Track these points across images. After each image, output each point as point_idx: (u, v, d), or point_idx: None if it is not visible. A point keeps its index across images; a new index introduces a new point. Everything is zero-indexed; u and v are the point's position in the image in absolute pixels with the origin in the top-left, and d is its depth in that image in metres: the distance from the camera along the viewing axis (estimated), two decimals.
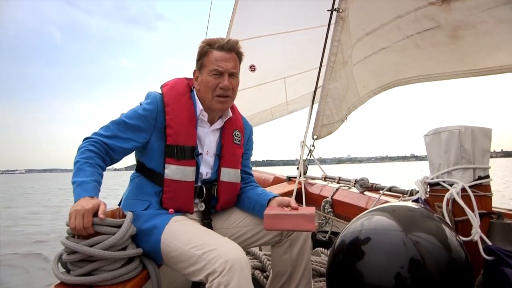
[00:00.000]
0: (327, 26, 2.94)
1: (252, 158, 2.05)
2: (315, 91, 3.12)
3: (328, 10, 2.88)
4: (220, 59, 1.65)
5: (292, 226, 1.56)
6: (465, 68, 2.94)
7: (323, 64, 3.03)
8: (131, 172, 1.84)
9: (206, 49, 1.68)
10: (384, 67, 3.35)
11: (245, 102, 4.34)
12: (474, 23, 2.63)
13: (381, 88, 3.56)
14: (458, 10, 2.62)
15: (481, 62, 2.82)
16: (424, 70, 3.20)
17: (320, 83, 3.03)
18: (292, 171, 3.55)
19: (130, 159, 1.79)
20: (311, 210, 1.58)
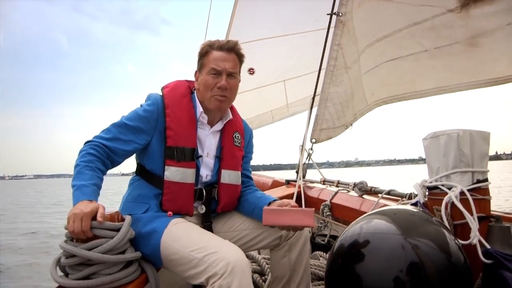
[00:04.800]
0: (326, 30, 2.94)
1: (260, 162, 2.05)
2: (314, 95, 3.11)
3: (327, 14, 2.88)
4: (218, 58, 1.67)
5: (291, 221, 1.55)
6: (483, 77, 2.84)
7: (322, 67, 3.02)
8: None
9: (206, 49, 1.70)
10: (395, 75, 3.24)
11: (244, 105, 4.34)
12: (492, 30, 2.59)
13: (393, 98, 3.40)
14: (476, 17, 2.58)
15: (499, 70, 2.74)
16: (440, 81, 3.06)
17: (320, 87, 3.02)
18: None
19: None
20: (311, 208, 1.59)
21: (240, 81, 1.78)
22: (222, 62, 1.66)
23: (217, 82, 1.66)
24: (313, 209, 1.59)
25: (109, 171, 1.62)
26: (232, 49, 1.69)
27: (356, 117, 3.34)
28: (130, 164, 1.81)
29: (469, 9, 2.58)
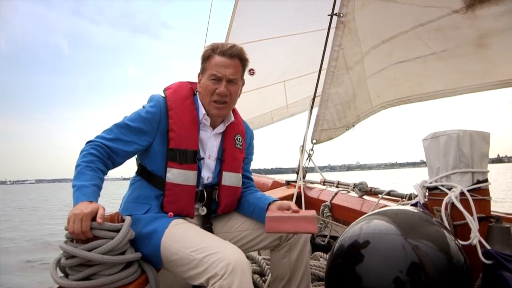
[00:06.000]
0: (326, 30, 2.94)
1: (261, 166, 2.04)
2: (314, 96, 3.11)
3: (328, 15, 2.88)
4: (219, 64, 1.65)
5: (294, 228, 1.54)
6: (493, 79, 2.78)
7: (323, 68, 3.02)
8: None
9: (209, 53, 1.68)
10: (402, 78, 3.20)
11: (244, 106, 4.34)
12: (501, 30, 2.55)
13: (399, 100, 3.34)
14: (484, 18, 2.55)
15: (510, 72, 2.69)
16: (449, 83, 3.00)
17: (320, 87, 3.02)
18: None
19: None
20: (312, 212, 1.58)
21: (244, 83, 1.78)
22: (223, 68, 1.65)
23: (216, 88, 1.66)
24: (314, 212, 1.58)
25: (110, 175, 1.62)
26: (236, 55, 1.68)
27: (360, 118, 3.31)
28: (131, 168, 1.79)
29: (474, 9, 2.55)
